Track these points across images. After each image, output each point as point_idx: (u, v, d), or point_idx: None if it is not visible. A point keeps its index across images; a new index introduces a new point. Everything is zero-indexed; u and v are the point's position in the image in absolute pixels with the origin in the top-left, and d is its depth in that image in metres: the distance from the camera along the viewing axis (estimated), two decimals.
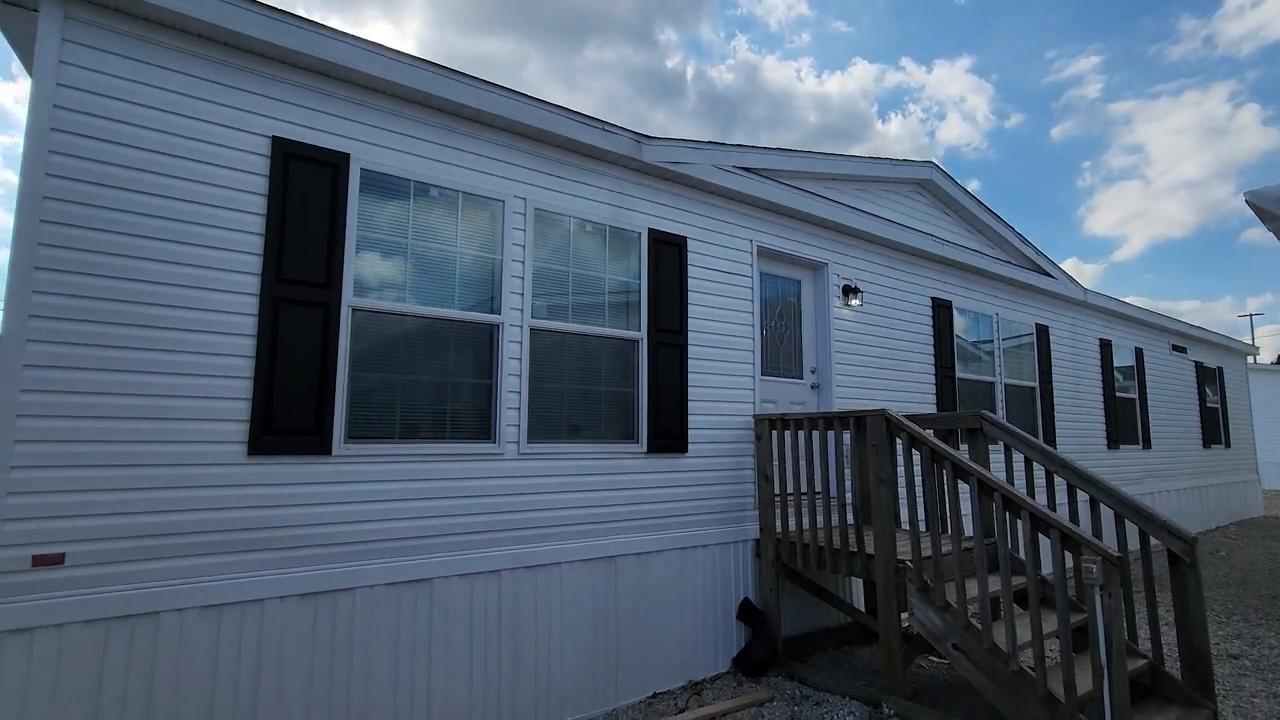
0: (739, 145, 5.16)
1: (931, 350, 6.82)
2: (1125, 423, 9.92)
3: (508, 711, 3.74)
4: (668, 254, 4.79)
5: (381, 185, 3.63)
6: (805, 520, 4.68)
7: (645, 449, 4.51)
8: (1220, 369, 13.16)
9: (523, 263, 4.10)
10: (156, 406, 2.94)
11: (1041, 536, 3.45)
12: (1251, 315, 36.97)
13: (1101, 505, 4.14)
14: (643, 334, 4.59)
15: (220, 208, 3.15)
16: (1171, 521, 3.85)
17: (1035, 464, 4.52)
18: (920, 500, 4.15)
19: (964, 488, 4.16)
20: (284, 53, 3.32)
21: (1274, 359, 37.27)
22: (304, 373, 3.29)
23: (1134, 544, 4.54)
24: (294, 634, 3.16)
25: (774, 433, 4.86)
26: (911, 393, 6.48)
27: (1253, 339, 36.75)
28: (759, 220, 5.43)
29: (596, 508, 4.26)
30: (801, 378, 5.80)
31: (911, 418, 5.06)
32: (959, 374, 7.07)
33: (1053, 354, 8.49)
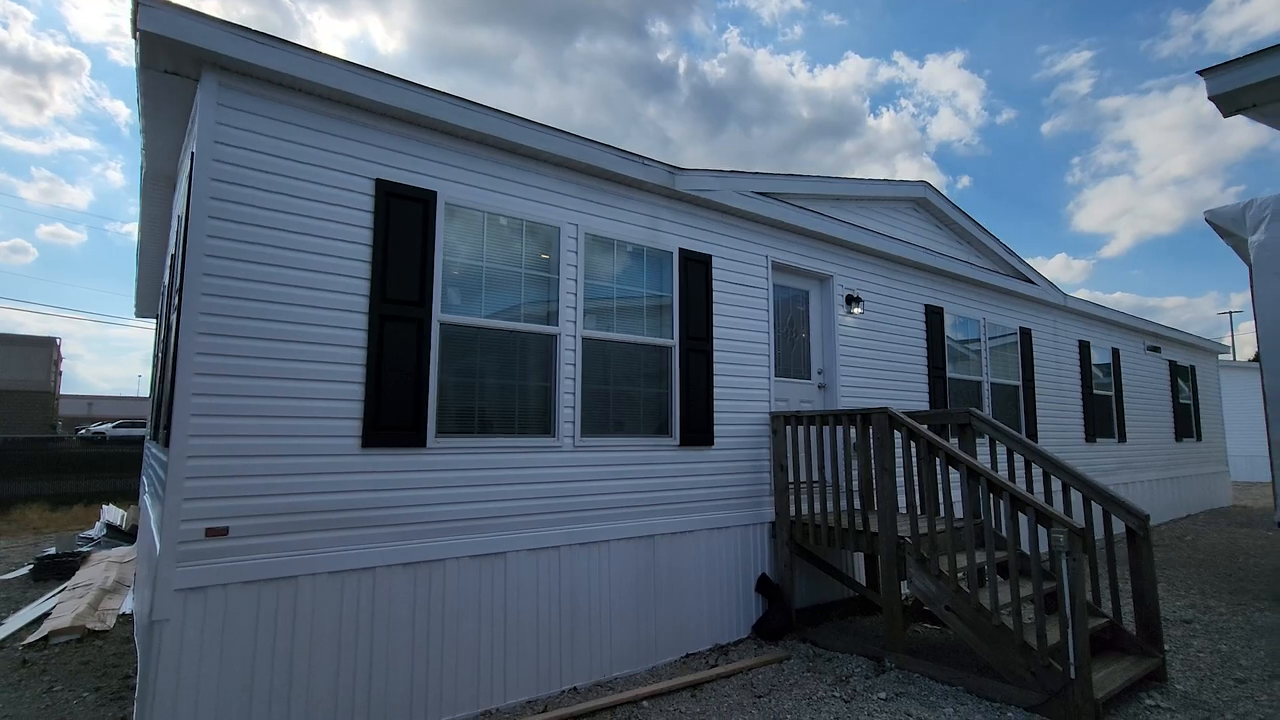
0: (756, 173, 5.80)
1: (924, 352, 7.50)
2: (1102, 418, 10.68)
3: (567, 666, 4.38)
4: (696, 270, 5.43)
5: (461, 216, 4.25)
6: (817, 505, 5.34)
7: (678, 442, 5.16)
8: (1193, 367, 13.97)
9: (576, 280, 4.72)
10: (292, 407, 3.55)
11: (1021, 515, 4.13)
12: (1232, 313, 38.10)
13: (1072, 489, 4.82)
14: (675, 341, 5.23)
15: (338, 240, 3.76)
16: (1129, 502, 4.55)
17: (1016, 454, 5.21)
18: (917, 486, 4.80)
19: (955, 476, 4.83)
20: (384, 107, 3.92)
21: (1253, 355, 38.45)
22: (403, 377, 3.90)
23: (1118, 529, 5.23)
24: (399, 596, 3.79)
25: (788, 428, 5.52)
26: (907, 391, 7.16)
27: (1233, 336, 37.93)
28: (773, 238, 6.08)
29: (637, 493, 4.90)
30: (809, 378, 6.46)
31: (907, 414, 5.74)
32: (949, 374, 7.76)
33: (1035, 355, 9.20)
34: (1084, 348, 10.38)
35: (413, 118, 4.05)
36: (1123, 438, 11.09)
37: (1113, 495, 4.60)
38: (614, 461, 4.80)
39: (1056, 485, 5.03)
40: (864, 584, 5.91)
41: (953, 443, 5.56)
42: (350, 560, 3.66)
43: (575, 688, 4.37)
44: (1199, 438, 13.90)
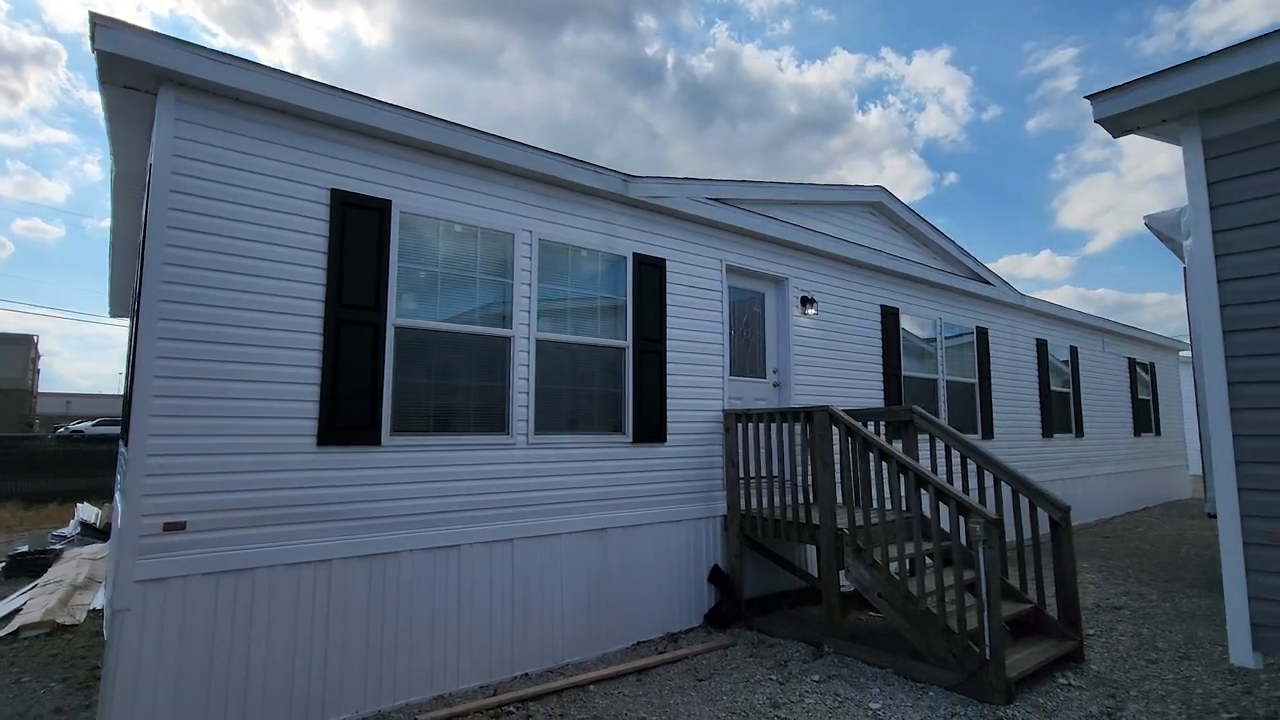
0: (710, 179, 6.02)
1: (880, 352, 7.77)
2: (1060, 414, 11.03)
3: (519, 653, 4.60)
4: (650, 273, 5.65)
5: (416, 224, 4.44)
6: (765, 499, 5.59)
7: (631, 440, 5.38)
8: (1153, 364, 14.40)
9: (530, 285, 4.92)
10: (249, 408, 3.73)
11: (944, 506, 4.39)
12: None
13: (1003, 483, 5.10)
14: (629, 342, 5.45)
15: (295, 248, 3.94)
16: (1053, 495, 4.83)
17: (954, 450, 5.47)
18: (854, 480, 5.06)
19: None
20: (339, 120, 4.10)
21: None
22: (359, 379, 4.09)
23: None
24: (355, 587, 3.98)
25: (739, 425, 5.76)
26: (862, 389, 7.43)
27: None
28: (728, 241, 6.31)
29: (590, 489, 5.12)
30: (765, 377, 6.71)
31: (855, 412, 5.99)
32: (905, 372, 8.04)
33: (992, 353, 9.52)
34: (1042, 346, 10.72)
35: (368, 130, 4.23)
36: (1080, 433, 11.46)
37: (1038, 489, 4.87)
38: (567, 458, 5.02)
39: (991, 480, 5.33)
40: (814, 575, 6.17)
41: (895, 443, 5.83)
42: (306, 553, 3.85)
43: (527, 673, 4.59)
44: (1158, 433, 14.33)
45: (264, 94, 3.80)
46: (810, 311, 6.91)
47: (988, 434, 9.17)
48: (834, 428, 5.06)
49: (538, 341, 4.93)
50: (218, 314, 3.67)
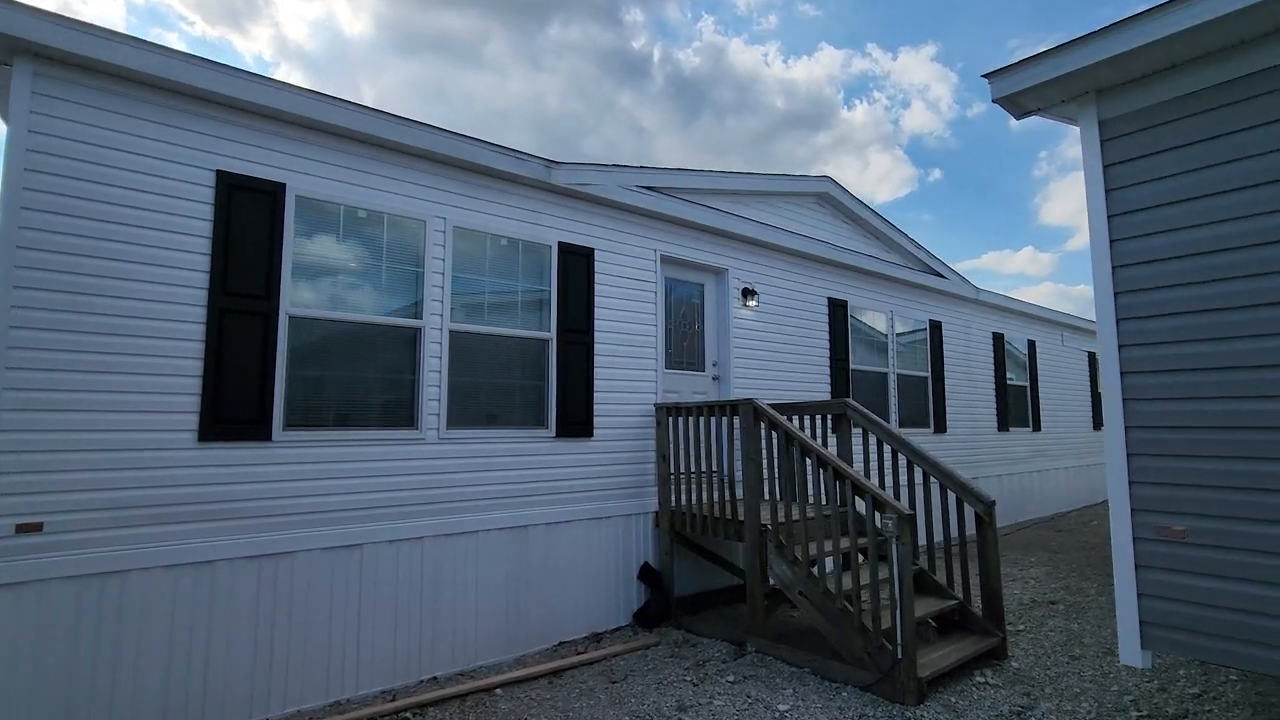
0: (641, 167, 5.86)
1: (827, 344, 7.67)
2: (1017, 408, 11.02)
3: (428, 656, 4.43)
4: (576, 263, 5.48)
5: (315, 209, 4.23)
6: (695, 495, 5.45)
7: (554, 434, 5.22)
8: None
9: (443, 274, 4.74)
10: (119, 401, 3.52)
11: (862, 500, 4.27)
12: None
13: (932, 478, 5.00)
14: (553, 334, 5.28)
15: (172, 232, 3.72)
16: (979, 490, 4.74)
17: (885, 444, 5.37)
18: (778, 475, 4.93)
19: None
20: (224, 98, 3.88)
21: None
22: (246, 371, 3.89)
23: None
24: (242, 589, 3.79)
25: (670, 419, 5.62)
26: (807, 382, 7.32)
27: None
28: (663, 231, 6.15)
29: (510, 484, 4.96)
30: (704, 370, 6.57)
31: (789, 405, 5.88)
32: (854, 366, 7.95)
33: (945, 347, 9.46)
34: (998, 340, 10.69)
35: (258, 110, 4.01)
36: (1038, 427, 11.46)
37: (965, 483, 4.78)
38: (485, 453, 4.85)
39: (922, 475, 5.23)
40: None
41: (832, 438, 5.72)
42: (188, 554, 3.65)
43: (435, 677, 4.42)
44: None
45: (137, 69, 3.58)
46: (751, 303, 6.78)
47: (940, 428, 9.12)
48: (759, 421, 4.93)
49: (452, 333, 4.75)
50: (82, 301, 3.45)
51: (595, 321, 5.56)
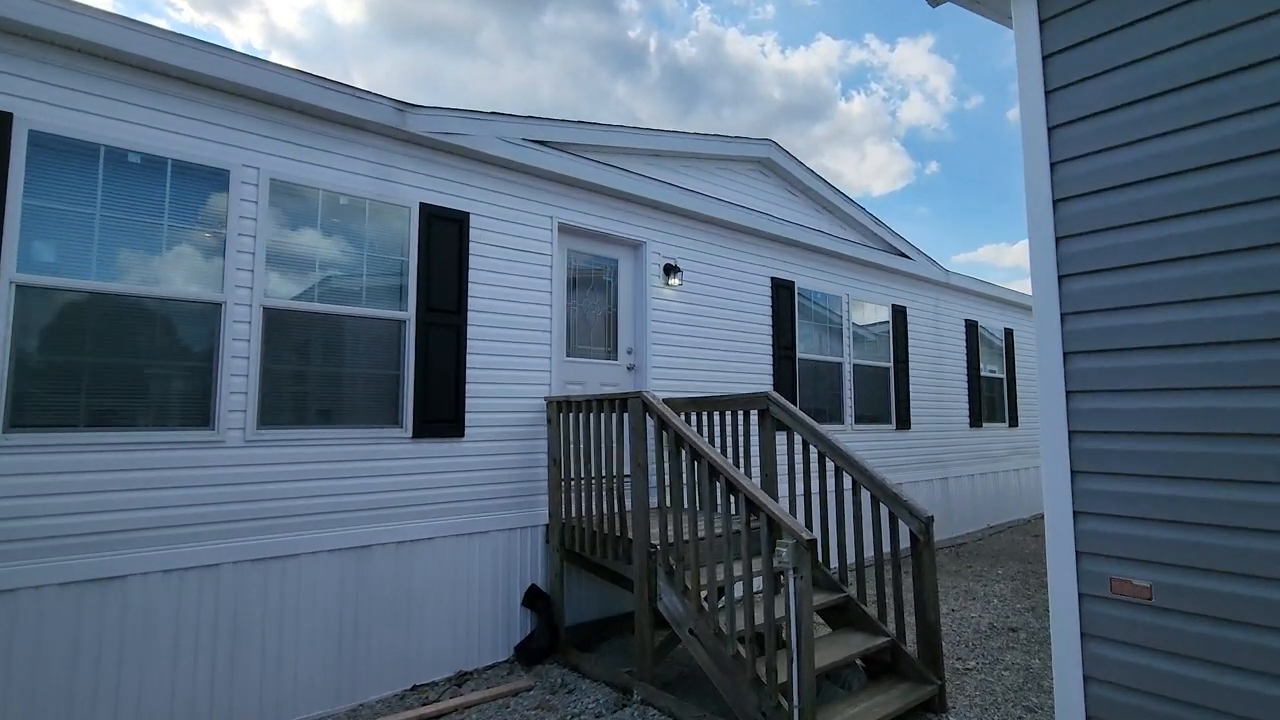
0: (530, 116, 4.95)
1: (769, 331, 6.78)
2: (992, 401, 10.18)
3: (223, 711, 3.54)
4: (444, 230, 4.58)
5: (60, 149, 3.31)
6: (585, 505, 4.57)
7: (411, 434, 4.32)
8: None
9: (254, 237, 3.83)
10: None
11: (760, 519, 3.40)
12: None
13: (863, 488, 4.13)
14: (411, 314, 4.38)
15: None
16: (913, 503, 3.86)
17: (812, 447, 4.49)
18: (668, 484, 4.06)
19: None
20: None
21: None
22: None
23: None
24: None
25: (562, 416, 4.74)
26: (744, 373, 6.44)
27: None
28: (562, 196, 5.25)
29: (349, 495, 4.07)
30: (617, 359, 5.68)
31: (701, 401, 5.00)
32: (802, 355, 7.07)
33: (910, 335, 8.59)
34: (971, 328, 9.83)
35: None
36: (1014, 422, 10.63)
37: (897, 495, 3.91)
38: (312, 458, 3.95)
39: (851, 484, 4.42)
40: None
41: (754, 438, 4.85)
42: None
43: None
44: None
45: None
46: (675, 282, 5.89)
47: (904, 424, 8.26)
48: (649, 419, 4.05)
49: (268, 311, 3.85)
50: None
51: (469, 300, 4.66)
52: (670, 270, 5.88)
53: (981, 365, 9.94)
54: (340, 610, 3.97)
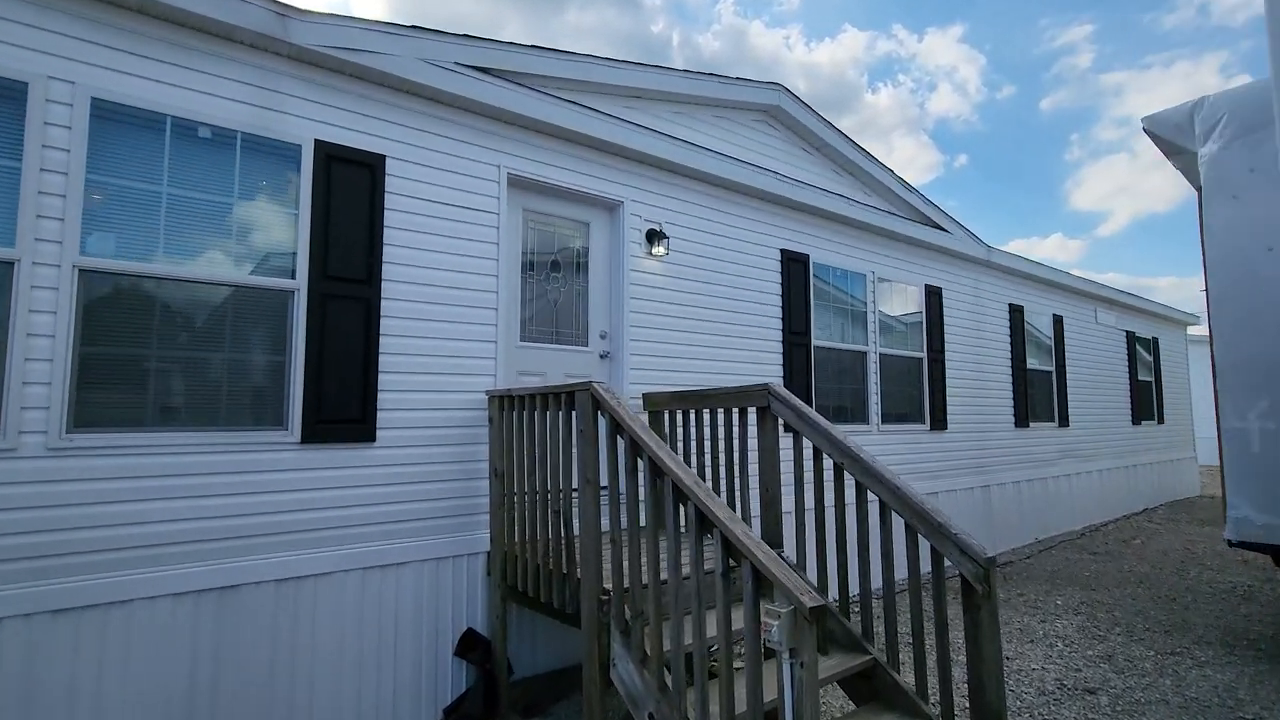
0: (467, 35, 3.92)
1: (779, 314, 5.69)
2: (1039, 398, 8.94)
3: None
4: (350, 176, 3.57)
5: None
6: (529, 529, 3.53)
7: (299, 438, 3.33)
8: (1155, 339, 12.26)
9: (66, 175, 2.85)
10: None
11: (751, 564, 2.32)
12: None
13: (894, 512, 3.04)
14: (301, 283, 3.38)
15: None
16: (966, 538, 2.75)
17: (826, 456, 3.40)
18: (624, 507, 3.01)
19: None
20: None
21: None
22: None
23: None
24: None
25: (505, 415, 3.71)
26: (745, 363, 5.35)
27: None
28: (513, 141, 4.21)
29: (207, 520, 3.08)
30: (587, 345, 4.64)
31: (688, 396, 3.96)
32: (817, 342, 5.96)
33: (947, 321, 7.42)
34: (1016, 314, 8.61)
35: None
36: (1065, 421, 9.37)
37: (943, 526, 2.80)
38: (153, 471, 2.97)
39: (879, 508, 3.29)
40: None
41: (751, 442, 3.78)
42: None
43: None
44: (1160, 420, 12.22)
45: None
46: (659, 251, 4.83)
47: (939, 424, 7.09)
48: (600, 418, 3.00)
49: (84, 273, 2.87)
50: None
51: (385, 267, 3.65)
52: (654, 237, 4.82)
53: (1027, 356, 8.70)
54: (191, 675, 2.99)
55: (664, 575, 2.84)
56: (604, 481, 2.96)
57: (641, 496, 2.78)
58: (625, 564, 2.83)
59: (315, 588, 3.33)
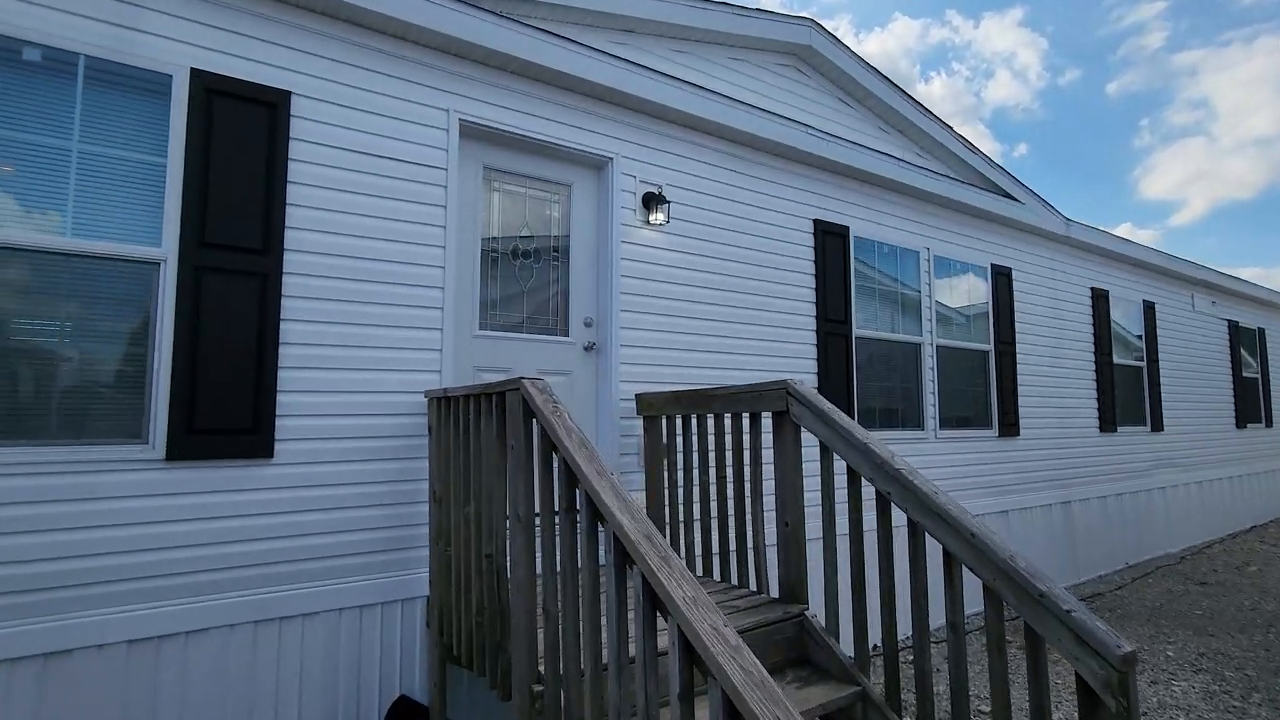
0: None
1: (812, 297, 4.71)
2: (1128, 398, 7.66)
3: None
4: (242, 116, 2.79)
5: None
6: (461, 575, 2.68)
7: (164, 454, 2.55)
8: (1262, 330, 10.69)
9: None
10: None
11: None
12: None
13: (962, 563, 2.07)
14: (170, 252, 2.61)
15: None
16: (1085, 619, 1.76)
17: (862, 479, 2.45)
18: (556, 548, 2.13)
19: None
20: None
21: None
22: None
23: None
24: None
25: (442, 422, 2.88)
26: (769, 355, 4.40)
27: None
28: (467, 80, 3.38)
29: (30, 563, 2.33)
30: (568, 334, 3.77)
31: (689, 397, 3.06)
32: (859, 332, 4.96)
33: (1017, 307, 6.28)
34: (1099, 299, 7.36)
35: None
36: (1158, 425, 8.03)
37: (1045, 596, 1.83)
38: None
39: (942, 556, 2.37)
40: None
41: (766, 452, 2.87)
42: None
43: None
44: (1269, 423, 10.63)
45: None
46: (658, 218, 3.93)
47: (1010, 429, 5.97)
48: (532, 426, 2.12)
49: None
50: None
51: (287, 233, 2.86)
52: (652, 202, 3.92)
53: (1114, 350, 7.45)
54: None
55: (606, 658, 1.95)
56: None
57: (580, 561, 1.88)
58: (568, 635, 1.95)
59: (186, 649, 2.56)
